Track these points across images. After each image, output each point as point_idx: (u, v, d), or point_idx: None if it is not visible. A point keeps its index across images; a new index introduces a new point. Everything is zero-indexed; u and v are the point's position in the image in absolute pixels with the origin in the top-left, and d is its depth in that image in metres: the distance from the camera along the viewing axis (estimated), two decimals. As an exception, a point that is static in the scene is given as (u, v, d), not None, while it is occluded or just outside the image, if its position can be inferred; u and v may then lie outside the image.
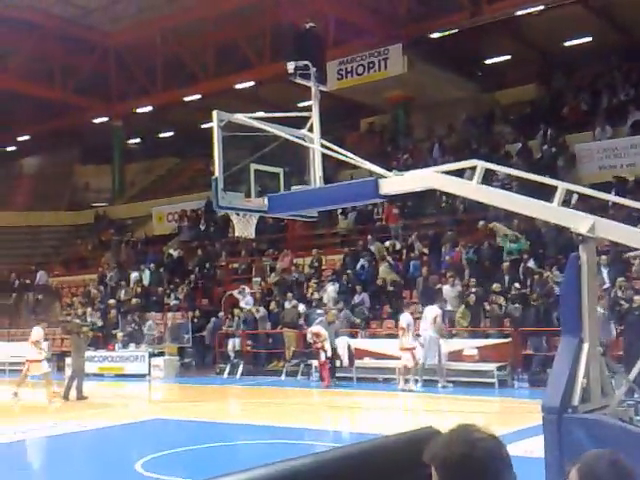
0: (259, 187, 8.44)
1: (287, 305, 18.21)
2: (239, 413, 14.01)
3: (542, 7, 20.98)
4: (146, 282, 23.52)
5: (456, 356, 15.06)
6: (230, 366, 18.21)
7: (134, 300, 21.89)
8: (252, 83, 26.67)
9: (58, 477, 8.86)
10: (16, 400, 14.30)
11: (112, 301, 22.35)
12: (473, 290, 16.02)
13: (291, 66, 8.39)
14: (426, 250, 18.99)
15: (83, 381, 14.84)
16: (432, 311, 14.96)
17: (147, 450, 9.34)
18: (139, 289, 23.02)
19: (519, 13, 21.52)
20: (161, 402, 16.00)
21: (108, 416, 12.71)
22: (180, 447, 9.79)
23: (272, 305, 18.97)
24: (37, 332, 14.80)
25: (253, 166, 8.33)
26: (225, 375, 18.05)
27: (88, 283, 25.46)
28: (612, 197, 7.22)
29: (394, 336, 15.56)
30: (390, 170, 7.56)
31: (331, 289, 18.26)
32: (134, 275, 23.86)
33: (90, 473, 8.85)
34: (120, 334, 20.33)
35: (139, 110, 29.43)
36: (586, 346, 5.55)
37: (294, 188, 8.26)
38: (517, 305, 15.35)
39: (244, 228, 8.13)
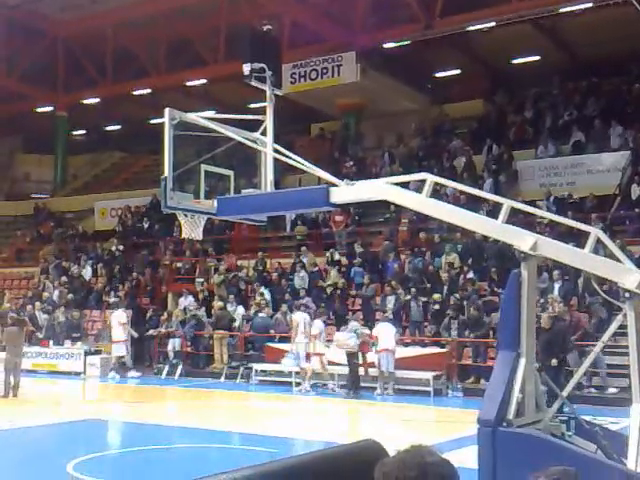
0: (207, 187, 8.34)
1: (230, 308, 18.05)
2: (174, 415, 13.81)
3: (493, 24, 21.45)
4: (87, 278, 22.97)
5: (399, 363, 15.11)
6: (169, 366, 17.96)
7: (69, 296, 21.38)
8: (204, 81, 26.40)
9: (-16, 478, 8.55)
10: None
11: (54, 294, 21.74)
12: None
13: (247, 68, 8.31)
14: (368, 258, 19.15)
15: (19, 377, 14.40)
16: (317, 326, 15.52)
17: (79, 451, 9.12)
18: (77, 285, 22.45)
19: (470, 28, 21.96)
20: (95, 402, 15.62)
21: (40, 415, 12.34)
22: (112, 449, 9.59)
23: (214, 306, 18.82)
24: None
25: (203, 167, 8.24)
26: (163, 376, 17.79)
27: (28, 276, 24.72)
28: (553, 215, 7.43)
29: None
30: (338, 176, 7.59)
31: (266, 292, 18.38)
32: (73, 269, 23.32)
33: (18, 474, 8.55)
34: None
35: (86, 101, 28.77)
36: (523, 361, 5.69)
37: (244, 191, 8.19)
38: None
39: (192, 229, 8.02)
